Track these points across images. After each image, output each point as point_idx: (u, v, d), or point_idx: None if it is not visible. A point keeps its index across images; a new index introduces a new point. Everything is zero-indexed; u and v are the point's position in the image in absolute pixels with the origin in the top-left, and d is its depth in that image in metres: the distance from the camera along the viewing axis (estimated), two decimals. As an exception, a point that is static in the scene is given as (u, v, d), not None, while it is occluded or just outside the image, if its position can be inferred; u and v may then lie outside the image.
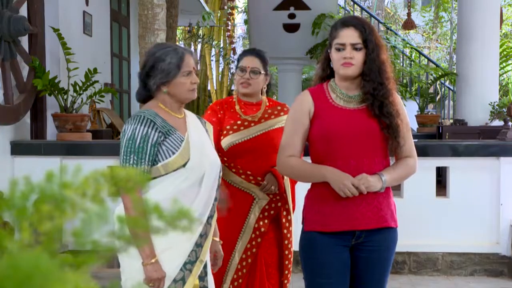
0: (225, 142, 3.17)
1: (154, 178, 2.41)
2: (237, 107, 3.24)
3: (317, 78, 2.66)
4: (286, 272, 3.30)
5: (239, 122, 3.19)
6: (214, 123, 3.20)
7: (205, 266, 2.55)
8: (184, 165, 2.42)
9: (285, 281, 3.31)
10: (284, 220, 3.26)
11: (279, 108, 3.27)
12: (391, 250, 2.60)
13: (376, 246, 2.53)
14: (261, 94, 3.29)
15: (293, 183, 3.30)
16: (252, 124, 3.19)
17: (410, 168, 2.57)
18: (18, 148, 5.11)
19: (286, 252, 3.28)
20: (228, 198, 2.78)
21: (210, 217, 2.55)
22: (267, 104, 3.28)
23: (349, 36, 2.45)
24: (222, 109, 3.25)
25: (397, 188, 5.12)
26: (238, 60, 3.28)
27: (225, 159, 3.19)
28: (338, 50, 2.47)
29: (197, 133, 2.57)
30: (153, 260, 2.33)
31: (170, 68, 2.46)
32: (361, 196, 2.43)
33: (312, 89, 2.60)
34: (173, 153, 2.41)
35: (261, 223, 3.20)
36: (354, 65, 2.45)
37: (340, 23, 2.52)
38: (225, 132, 3.18)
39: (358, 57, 2.45)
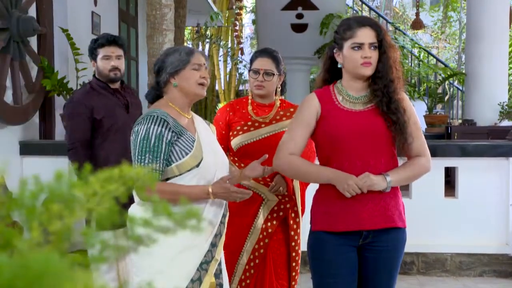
0: (235, 142, 3.18)
1: (168, 179, 2.43)
2: (249, 107, 3.25)
3: (320, 80, 2.67)
4: (294, 273, 3.29)
5: (249, 123, 3.20)
6: (220, 126, 3.24)
7: (219, 264, 2.58)
8: (197, 165, 2.45)
9: (293, 283, 3.30)
10: (291, 222, 3.26)
11: (291, 110, 3.25)
12: (399, 251, 2.59)
13: (383, 246, 2.54)
14: (275, 94, 3.29)
15: (303, 185, 3.29)
16: (263, 125, 3.20)
17: (420, 167, 2.57)
18: (27, 148, 5.13)
19: (293, 254, 3.28)
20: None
21: (224, 216, 2.58)
22: (279, 105, 3.28)
23: (368, 35, 2.48)
24: (232, 111, 3.27)
25: (406, 189, 5.11)
26: (251, 61, 3.28)
27: (236, 159, 3.21)
28: (354, 49, 2.48)
29: (206, 133, 2.60)
30: (209, 190, 2.41)
31: (179, 59, 2.53)
32: (368, 196, 2.44)
33: (318, 92, 2.62)
34: (186, 153, 2.44)
35: (269, 224, 3.20)
36: (372, 64, 2.48)
37: (355, 23, 2.52)
38: (235, 132, 3.20)
39: (374, 57, 2.48)
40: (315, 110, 2.55)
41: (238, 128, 3.20)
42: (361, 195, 2.42)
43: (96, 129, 3.49)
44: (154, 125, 2.42)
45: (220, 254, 2.57)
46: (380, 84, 2.48)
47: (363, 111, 2.53)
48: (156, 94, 2.61)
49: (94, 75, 3.66)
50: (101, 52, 3.55)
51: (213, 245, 2.51)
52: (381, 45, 2.49)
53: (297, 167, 2.55)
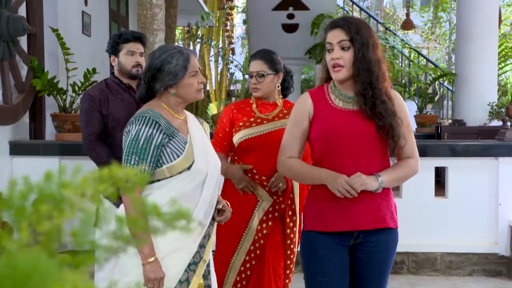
0: (237, 137, 3.23)
1: (159, 180, 2.42)
2: (253, 106, 3.31)
3: (320, 79, 2.67)
4: (288, 271, 3.31)
5: (252, 119, 3.25)
6: (224, 124, 3.29)
7: (208, 265, 2.57)
8: (188, 168, 2.43)
9: (286, 281, 3.32)
10: (288, 220, 3.28)
11: None
12: (391, 251, 2.59)
13: (375, 246, 2.53)
14: (278, 93, 3.32)
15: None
16: (265, 122, 3.25)
17: (410, 169, 2.56)
18: (17, 148, 5.11)
19: (288, 252, 3.29)
20: (230, 207, 2.78)
21: (213, 218, 2.57)
22: (283, 105, 3.33)
23: (335, 36, 2.43)
24: (236, 109, 3.33)
25: (396, 188, 5.12)
26: (249, 64, 3.36)
27: (236, 158, 3.26)
28: (328, 51, 2.46)
29: (199, 135, 2.58)
30: (151, 259, 2.33)
31: (177, 70, 2.46)
32: (360, 197, 2.43)
33: (312, 91, 2.61)
34: (178, 156, 2.42)
35: (264, 225, 3.21)
36: (344, 67, 2.42)
37: (329, 25, 2.51)
38: (237, 128, 3.25)
39: (346, 57, 2.41)
40: (307, 110, 2.54)
41: (241, 124, 3.24)
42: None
43: (106, 124, 3.43)
44: (145, 126, 2.40)
45: (208, 255, 2.55)
46: (358, 88, 2.43)
47: (356, 111, 2.49)
48: (148, 96, 2.59)
49: (112, 72, 3.59)
50: (125, 48, 3.45)
51: (202, 246, 2.50)
52: (355, 45, 2.41)
53: (295, 170, 2.57)
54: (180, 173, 2.42)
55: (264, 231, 3.21)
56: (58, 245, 0.67)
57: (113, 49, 3.49)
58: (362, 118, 2.47)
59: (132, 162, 2.37)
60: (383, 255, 2.56)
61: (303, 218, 2.65)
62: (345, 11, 13.35)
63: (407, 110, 2.56)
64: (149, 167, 2.38)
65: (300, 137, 2.56)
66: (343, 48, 2.42)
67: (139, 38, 3.51)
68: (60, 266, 0.58)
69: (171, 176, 2.42)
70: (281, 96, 3.35)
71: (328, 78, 2.59)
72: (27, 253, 0.58)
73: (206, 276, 2.58)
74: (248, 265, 3.20)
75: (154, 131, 2.40)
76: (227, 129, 3.27)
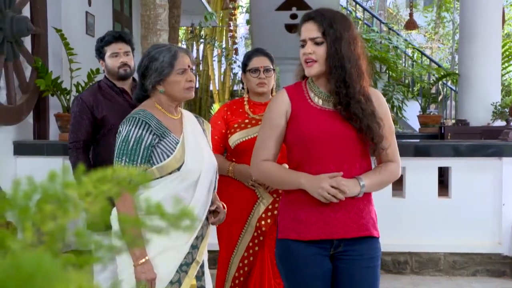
0: (233, 139, 3.23)
1: None
2: (246, 107, 3.31)
3: (297, 77, 2.51)
4: None
5: (246, 120, 3.26)
6: (220, 125, 3.28)
7: (202, 266, 2.55)
8: (178, 169, 2.41)
9: None
10: None
11: None
12: (375, 262, 2.36)
13: (357, 256, 2.32)
14: (272, 92, 3.38)
15: None
16: (260, 122, 3.24)
17: (392, 174, 2.37)
18: (21, 148, 5.12)
19: None
20: (225, 210, 2.78)
21: (207, 218, 2.56)
22: None
23: (307, 30, 2.29)
24: (229, 110, 3.33)
25: (399, 189, 5.12)
26: (246, 62, 3.34)
27: (233, 159, 3.26)
28: (302, 46, 2.32)
29: (193, 134, 2.55)
30: (142, 261, 2.32)
31: (163, 67, 2.46)
32: (340, 202, 2.22)
33: (289, 88, 2.43)
34: (168, 156, 2.41)
35: (263, 222, 3.22)
36: (317, 62, 2.27)
37: (302, 17, 2.34)
38: (232, 130, 3.25)
39: (319, 52, 2.26)
40: (284, 109, 2.35)
41: (236, 125, 3.25)
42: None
43: (100, 128, 3.43)
44: (135, 127, 2.39)
45: (202, 257, 2.52)
46: (333, 85, 2.25)
47: (336, 110, 2.30)
48: (142, 95, 2.59)
49: (105, 75, 3.57)
50: (109, 50, 3.43)
51: (194, 247, 2.47)
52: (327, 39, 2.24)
53: (269, 174, 2.37)
54: (170, 173, 2.41)
55: (263, 228, 3.22)
56: (62, 245, 0.67)
57: (99, 54, 3.49)
58: (342, 119, 2.28)
59: (123, 163, 2.38)
60: (368, 265, 2.33)
61: (278, 225, 2.44)
62: (348, 11, 13.33)
63: (388, 110, 2.39)
64: (139, 168, 2.37)
65: (276, 138, 2.35)
66: (316, 43, 2.27)
67: (120, 37, 3.48)
68: (64, 266, 0.58)
69: (161, 177, 2.41)
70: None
71: (305, 76, 2.43)
72: (31, 253, 0.58)
73: (199, 277, 2.55)
74: (246, 261, 3.23)
75: (144, 132, 2.39)
76: (223, 131, 3.27)
